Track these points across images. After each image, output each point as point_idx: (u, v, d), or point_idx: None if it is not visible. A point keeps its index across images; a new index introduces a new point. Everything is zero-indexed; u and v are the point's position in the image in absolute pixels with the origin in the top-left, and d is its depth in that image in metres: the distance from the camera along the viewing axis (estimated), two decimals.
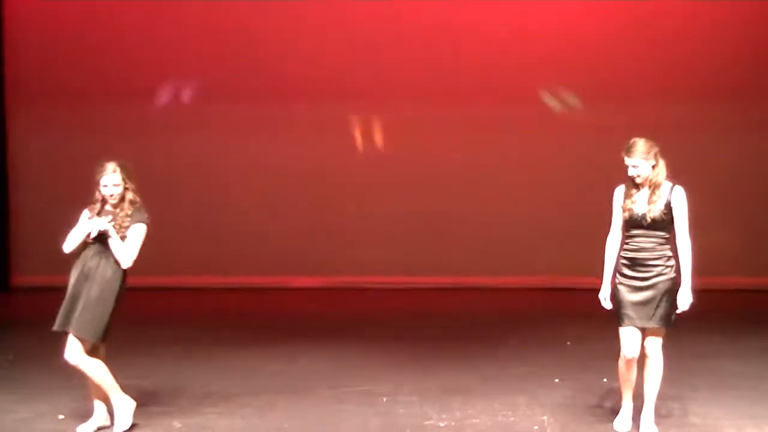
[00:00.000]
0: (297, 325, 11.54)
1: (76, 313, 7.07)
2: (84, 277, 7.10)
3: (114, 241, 7.07)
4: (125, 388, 7.46)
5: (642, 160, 7.09)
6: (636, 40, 13.69)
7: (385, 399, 8.25)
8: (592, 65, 13.72)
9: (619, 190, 7.22)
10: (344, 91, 13.84)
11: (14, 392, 8.48)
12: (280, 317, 12.11)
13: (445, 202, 13.91)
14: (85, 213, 7.22)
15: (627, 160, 7.11)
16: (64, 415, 7.77)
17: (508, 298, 13.12)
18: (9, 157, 14.08)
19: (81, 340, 7.08)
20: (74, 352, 7.09)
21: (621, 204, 7.17)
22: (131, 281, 7.29)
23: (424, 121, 13.90)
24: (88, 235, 7.08)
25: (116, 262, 7.07)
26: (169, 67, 13.95)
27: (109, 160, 7.22)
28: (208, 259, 13.66)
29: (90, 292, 7.07)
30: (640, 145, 7.10)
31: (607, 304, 7.20)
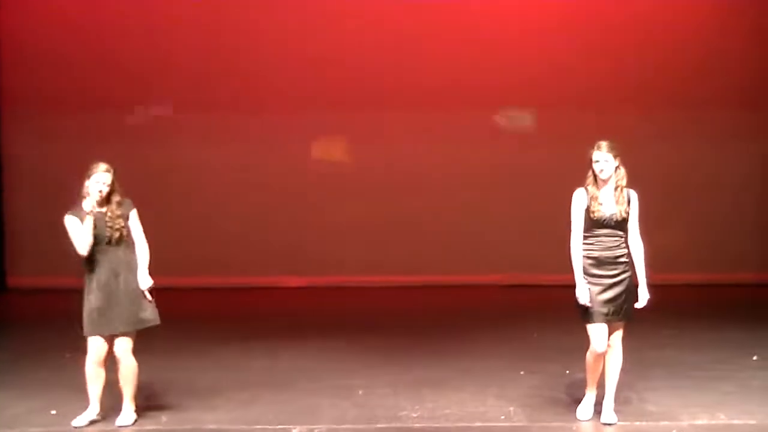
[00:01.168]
0: (280, 322, 11.53)
1: (124, 312, 7.18)
2: (113, 278, 7.20)
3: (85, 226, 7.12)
4: (114, 384, 7.46)
5: (610, 155, 7.15)
6: (599, 50, 13.76)
7: (361, 392, 8.27)
8: (556, 74, 13.76)
9: (581, 193, 7.22)
10: (324, 99, 13.82)
11: (9, 389, 8.45)
12: (264, 315, 12.10)
13: (419, 205, 13.92)
14: (69, 217, 7.24)
15: (597, 155, 7.15)
16: (56, 410, 7.75)
17: (477, 295, 13.11)
18: (4, 162, 13.99)
19: (130, 335, 7.24)
20: (127, 348, 7.25)
21: (585, 206, 7.18)
22: None
23: (400, 127, 13.93)
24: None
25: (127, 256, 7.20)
26: (158, 78, 13.87)
27: (101, 161, 7.33)
28: (194, 259, 13.60)
29: (128, 287, 7.20)
30: (608, 143, 7.18)
31: (586, 301, 7.17)
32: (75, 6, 13.81)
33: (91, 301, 7.22)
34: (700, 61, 13.84)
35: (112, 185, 7.27)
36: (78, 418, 7.43)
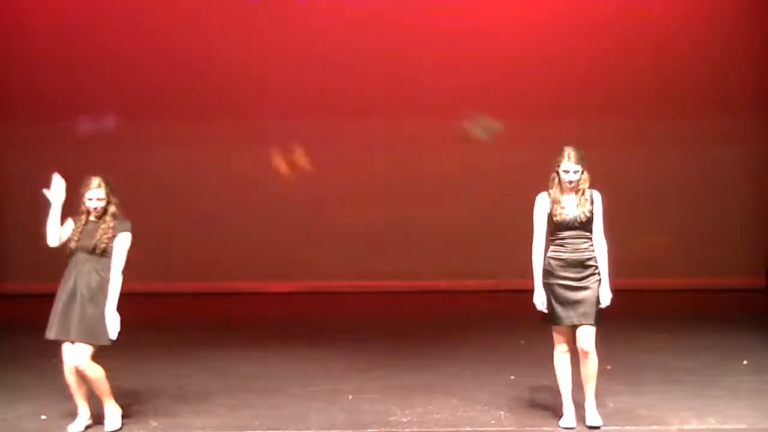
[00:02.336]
0: (269, 327, 11.53)
1: (77, 321, 7.10)
2: (74, 288, 7.14)
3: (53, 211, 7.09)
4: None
5: (579, 166, 7.16)
6: (586, 56, 13.81)
7: (350, 397, 8.26)
8: (539, 80, 13.81)
9: (543, 198, 7.24)
10: (318, 105, 13.86)
11: (0, 393, 8.41)
12: (253, 320, 12.10)
13: (410, 211, 13.97)
14: (70, 222, 7.23)
15: (566, 165, 7.14)
16: (46, 416, 7.72)
17: (467, 300, 13.16)
18: None
19: (89, 345, 7.12)
20: (83, 357, 7.13)
21: (548, 210, 7.19)
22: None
23: (393, 133, 13.96)
24: (69, 240, 7.14)
25: (103, 270, 7.12)
26: (150, 84, 13.88)
27: (94, 174, 7.28)
28: (183, 265, 13.62)
29: (87, 300, 7.11)
30: (577, 152, 7.17)
31: (543, 307, 7.21)
32: (67, 13, 13.82)
33: (56, 305, 7.19)
34: (687, 65, 13.90)
35: (107, 198, 7.22)
36: (72, 424, 7.39)
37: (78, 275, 7.15)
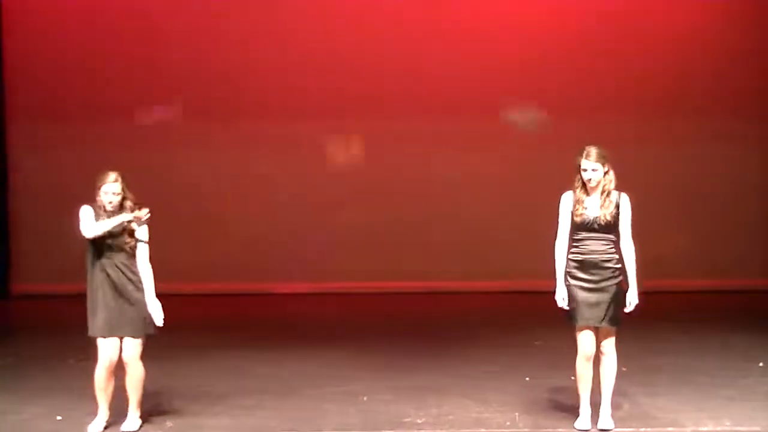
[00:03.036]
0: (284, 329, 11.53)
1: (124, 316, 7.16)
2: (111, 284, 7.18)
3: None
4: (120, 389, 7.44)
5: (599, 164, 7.12)
6: (602, 55, 13.77)
7: (364, 398, 8.26)
8: (553, 79, 13.77)
9: (567, 196, 7.20)
10: (327, 107, 13.83)
11: (14, 394, 8.44)
12: (268, 322, 12.09)
13: (422, 211, 13.90)
14: (87, 208, 7.21)
15: (585, 163, 7.12)
16: (61, 416, 7.74)
17: (481, 301, 13.09)
18: (9, 169, 13.99)
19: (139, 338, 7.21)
20: (136, 351, 7.23)
21: (571, 209, 7.17)
22: None
23: (404, 132, 13.93)
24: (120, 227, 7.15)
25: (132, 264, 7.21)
26: (161, 85, 13.91)
27: (110, 170, 7.29)
28: (200, 266, 13.60)
29: (131, 295, 7.18)
30: (597, 150, 7.14)
31: (564, 304, 7.20)
32: (78, 14, 13.82)
33: (98, 303, 7.18)
34: (702, 64, 13.87)
35: (123, 192, 7.24)
36: (92, 424, 7.41)
37: (111, 271, 7.18)
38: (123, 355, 7.24)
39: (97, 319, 7.19)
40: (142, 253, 7.27)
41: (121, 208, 7.22)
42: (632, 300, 7.15)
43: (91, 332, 7.21)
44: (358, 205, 14.03)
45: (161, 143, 13.89)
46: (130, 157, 12.90)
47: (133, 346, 7.25)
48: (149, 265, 7.28)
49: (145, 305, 7.20)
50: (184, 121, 14.01)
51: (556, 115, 13.83)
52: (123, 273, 7.18)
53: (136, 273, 7.23)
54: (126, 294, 7.18)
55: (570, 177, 7.32)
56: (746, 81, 13.91)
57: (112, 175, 7.22)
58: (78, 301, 7.46)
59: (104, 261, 7.18)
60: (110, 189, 7.21)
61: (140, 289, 7.21)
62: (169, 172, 13.75)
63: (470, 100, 13.78)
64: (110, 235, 7.14)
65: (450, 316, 12.28)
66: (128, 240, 7.19)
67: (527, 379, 8.85)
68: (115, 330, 7.20)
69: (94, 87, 13.75)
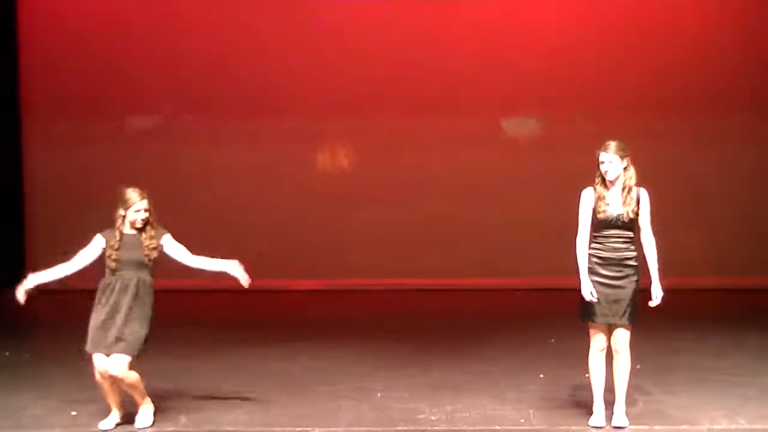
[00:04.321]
0: (298, 325, 11.51)
1: (116, 335, 7.21)
2: (115, 304, 7.25)
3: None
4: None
5: (616, 156, 7.10)
6: (606, 53, 13.74)
7: (379, 395, 8.26)
8: (571, 77, 13.74)
9: (588, 193, 7.17)
10: (337, 103, 13.83)
11: (29, 390, 8.49)
12: (281, 318, 12.09)
13: (437, 208, 13.86)
14: (99, 238, 7.33)
15: (602, 156, 7.10)
16: (76, 411, 7.78)
17: (495, 299, 13.08)
18: (24, 168, 14.06)
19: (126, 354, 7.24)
20: (120, 367, 7.23)
21: (592, 205, 7.13)
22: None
23: (415, 131, 13.93)
24: (108, 255, 7.27)
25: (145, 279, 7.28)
26: (172, 84, 13.93)
27: (130, 187, 7.38)
28: None
29: (128, 314, 7.24)
30: (617, 143, 7.14)
31: (594, 297, 7.13)
32: (92, 15, 13.85)
33: (95, 318, 7.28)
34: (712, 63, 13.81)
35: (149, 209, 7.34)
36: (104, 421, 7.45)
37: (121, 289, 7.26)
38: (111, 371, 7.24)
39: (90, 335, 7.28)
40: (186, 254, 7.40)
41: (146, 224, 7.32)
42: (657, 293, 7.13)
43: (86, 347, 7.32)
44: (375, 202, 14.00)
45: (173, 142, 13.91)
46: (143, 154, 13.20)
47: (120, 362, 7.24)
48: (198, 259, 7.39)
49: (141, 326, 7.22)
50: (197, 118, 14.02)
51: (575, 115, 13.86)
52: (131, 291, 7.25)
53: (145, 287, 7.28)
54: (125, 314, 7.21)
55: (584, 175, 7.33)
56: (764, 78, 13.86)
57: (138, 194, 7.32)
58: (91, 295, 7.49)
59: (115, 278, 7.27)
60: (142, 206, 7.31)
61: (141, 307, 7.24)
62: (181, 168, 13.77)
63: (482, 98, 13.79)
64: (117, 252, 7.24)
65: (466, 314, 12.24)
66: (146, 257, 7.28)
67: (542, 376, 8.84)
68: (100, 347, 7.23)
69: (108, 87, 13.80)
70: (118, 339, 7.18)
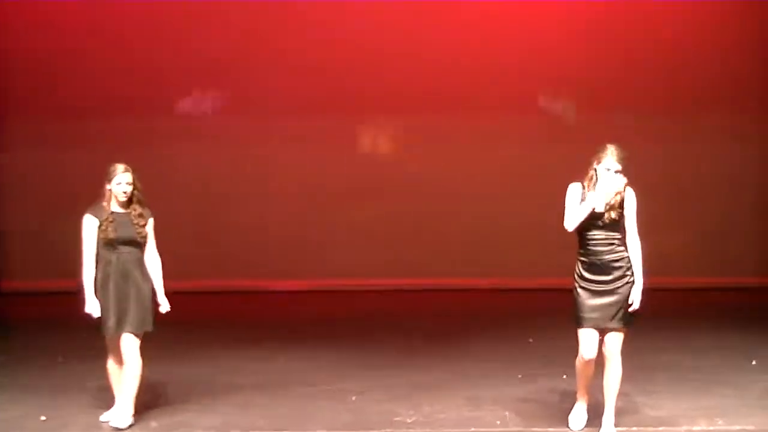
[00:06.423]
0: (273, 326, 11.44)
1: (130, 314, 7.23)
2: (123, 279, 7.23)
3: None
4: (104, 389, 7.46)
5: (620, 166, 6.98)
6: (598, 52, 13.72)
7: (354, 397, 8.20)
8: (558, 77, 13.76)
9: (576, 188, 7.02)
10: (325, 102, 13.77)
11: (1, 393, 8.39)
12: (257, 319, 12.01)
13: (415, 208, 13.82)
14: (88, 218, 7.22)
15: (610, 163, 6.92)
16: (46, 416, 7.67)
17: (474, 298, 13.03)
18: (0, 167, 13.97)
19: (137, 336, 7.26)
20: (134, 348, 7.26)
21: (579, 200, 6.97)
22: None
23: (404, 129, 13.99)
24: (104, 234, 7.18)
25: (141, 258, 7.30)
26: (153, 84, 13.76)
27: (118, 162, 7.36)
28: (190, 263, 13.23)
29: (138, 289, 7.25)
30: (620, 152, 7.01)
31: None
32: (73, 11, 13.71)
33: (104, 301, 7.22)
34: (697, 62, 13.84)
35: (134, 184, 7.29)
36: (106, 414, 7.48)
37: (124, 267, 7.23)
38: (122, 349, 7.27)
39: (106, 317, 7.23)
40: (151, 245, 7.36)
41: (130, 200, 7.26)
42: (635, 298, 6.98)
43: (105, 331, 7.28)
44: (353, 202, 13.91)
45: (154, 142, 13.71)
46: (123, 155, 12.55)
47: (132, 341, 7.26)
48: (158, 257, 7.38)
49: (149, 299, 7.28)
50: (179, 120, 13.93)
51: (556, 114, 13.95)
52: (134, 269, 7.25)
53: (143, 268, 7.29)
54: (131, 285, 7.23)
55: (572, 173, 7.23)
56: (744, 76, 13.89)
57: (122, 166, 7.28)
58: (68, 298, 7.51)
59: (113, 257, 7.22)
60: (123, 179, 7.25)
61: (147, 281, 7.28)
62: (163, 168, 13.48)
63: (471, 97, 13.74)
64: (114, 231, 7.18)
65: (442, 314, 12.18)
66: (139, 231, 7.25)
67: (520, 376, 8.80)
68: (120, 326, 7.24)
69: (87, 86, 13.66)
70: (135, 317, 7.23)
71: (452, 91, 13.71)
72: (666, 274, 12.76)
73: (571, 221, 6.95)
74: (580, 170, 7.15)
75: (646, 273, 7.05)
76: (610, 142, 7.10)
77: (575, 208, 6.94)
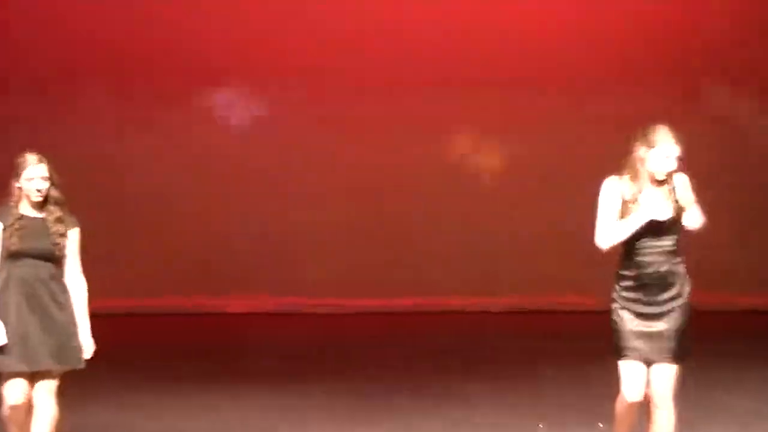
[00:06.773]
0: (232, 359, 10.31)
1: (48, 345, 6.21)
2: (31, 305, 6.19)
3: None
4: None
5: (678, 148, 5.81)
6: (598, 43, 13.04)
7: None
8: (557, 70, 13.00)
9: (613, 185, 5.86)
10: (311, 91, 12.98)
11: None
12: (215, 348, 10.88)
13: (409, 211, 13.00)
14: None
15: (666, 149, 5.75)
16: None
17: (481, 321, 12.22)
18: None
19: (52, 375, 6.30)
20: (49, 390, 6.25)
21: (618, 202, 5.78)
22: None
23: (378, 120, 13.00)
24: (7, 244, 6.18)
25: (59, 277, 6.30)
26: (100, 64, 12.89)
27: (29, 151, 6.28)
28: (132, 280, 12.54)
29: (58, 314, 6.22)
30: (671, 131, 5.82)
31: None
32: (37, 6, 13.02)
33: (9, 328, 6.15)
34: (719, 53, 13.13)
35: (51, 179, 6.24)
36: None
37: (33, 287, 6.18)
38: (33, 390, 6.24)
39: (9, 351, 6.15)
40: (74, 263, 6.30)
41: (45, 201, 6.23)
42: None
43: (5, 367, 6.23)
44: (336, 202, 13.05)
45: (91, 130, 12.93)
46: (67, 144, 12.07)
47: (48, 381, 6.24)
48: (83, 279, 6.30)
49: (71, 330, 6.26)
50: (118, 105, 13.08)
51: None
52: (47, 289, 6.19)
53: (63, 289, 6.25)
54: (39, 311, 6.16)
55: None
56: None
57: (34, 157, 6.24)
58: None
59: (20, 273, 6.16)
60: (36, 173, 6.17)
61: (67, 310, 6.24)
62: (96, 163, 12.70)
63: (468, 95, 12.96)
64: (19, 241, 6.15)
65: (447, 342, 11.25)
66: (57, 242, 6.19)
67: (541, 426, 7.63)
68: (32, 362, 6.20)
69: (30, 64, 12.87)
70: (51, 352, 6.18)
71: (453, 90, 13.04)
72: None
73: (609, 237, 5.84)
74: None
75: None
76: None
77: (618, 220, 5.84)
